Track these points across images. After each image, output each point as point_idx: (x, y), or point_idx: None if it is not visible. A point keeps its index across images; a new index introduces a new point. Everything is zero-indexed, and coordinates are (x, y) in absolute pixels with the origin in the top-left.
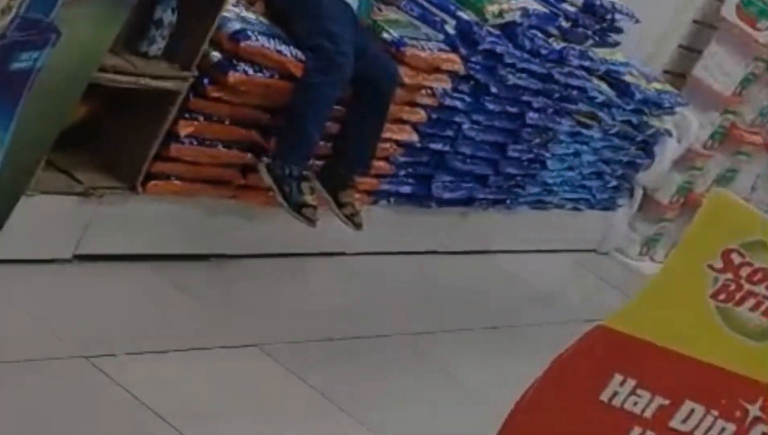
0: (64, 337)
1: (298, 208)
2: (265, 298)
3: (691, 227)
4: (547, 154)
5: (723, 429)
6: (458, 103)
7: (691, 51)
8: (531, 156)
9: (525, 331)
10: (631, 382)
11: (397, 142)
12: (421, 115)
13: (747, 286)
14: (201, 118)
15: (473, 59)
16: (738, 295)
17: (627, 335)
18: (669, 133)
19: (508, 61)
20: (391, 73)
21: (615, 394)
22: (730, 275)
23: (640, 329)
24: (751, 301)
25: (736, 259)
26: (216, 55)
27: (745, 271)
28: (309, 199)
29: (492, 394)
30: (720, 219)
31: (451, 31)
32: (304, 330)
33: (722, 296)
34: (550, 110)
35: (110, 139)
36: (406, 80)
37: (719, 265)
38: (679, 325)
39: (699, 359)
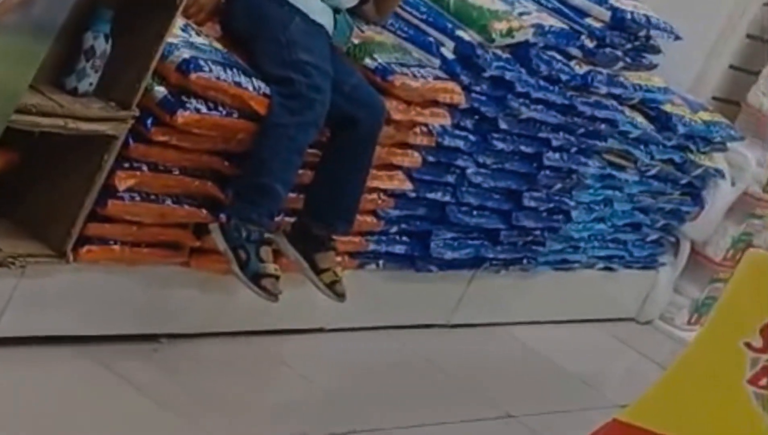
0: None
1: (257, 278)
2: (226, 387)
3: (722, 297)
4: (572, 203)
5: None
6: (460, 143)
7: (746, 72)
8: (551, 205)
9: (550, 421)
10: None
11: (387, 192)
12: (415, 159)
13: None
14: (144, 168)
15: (477, 88)
16: None
17: (647, 431)
18: (720, 174)
19: (521, 89)
20: (376, 108)
21: None
22: None
23: (662, 423)
24: None
25: None
26: (161, 90)
27: None
28: (270, 267)
29: None
30: (758, 286)
31: (449, 54)
32: (274, 426)
33: (763, 381)
34: (574, 149)
35: (33, 196)
36: (396, 116)
37: (758, 343)
38: (708, 418)
39: None
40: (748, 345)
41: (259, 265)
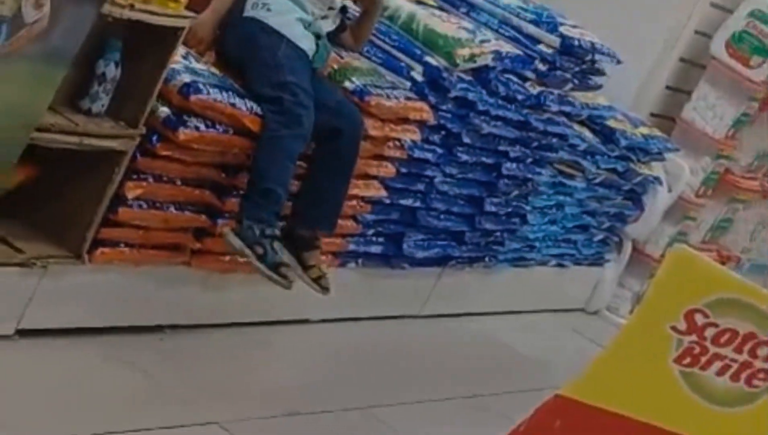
0: (4, 423)
1: (276, 267)
2: (224, 372)
3: (650, 287)
4: (527, 208)
5: None
6: (429, 155)
7: (680, 92)
8: (509, 210)
9: (508, 401)
10: None
11: (365, 199)
12: (389, 169)
13: (713, 349)
14: (150, 179)
15: (443, 107)
16: (703, 359)
17: (586, 405)
18: (658, 181)
19: (482, 108)
20: (356, 122)
21: None
22: (694, 337)
23: (599, 398)
24: (717, 365)
25: (700, 319)
26: (164, 110)
27: (710, 333)
28: (285, 257)
29: None
30: (682, 277)
31: (418, 77)
32: (267, 406)
33: (686, 360)
34: (529, 160)
35: (52, 204)
36: (372, 132)
37: (682, 326)
38: (641, 393)
39: (665, 428)
40: (674, 328)
41: (275, 256)
